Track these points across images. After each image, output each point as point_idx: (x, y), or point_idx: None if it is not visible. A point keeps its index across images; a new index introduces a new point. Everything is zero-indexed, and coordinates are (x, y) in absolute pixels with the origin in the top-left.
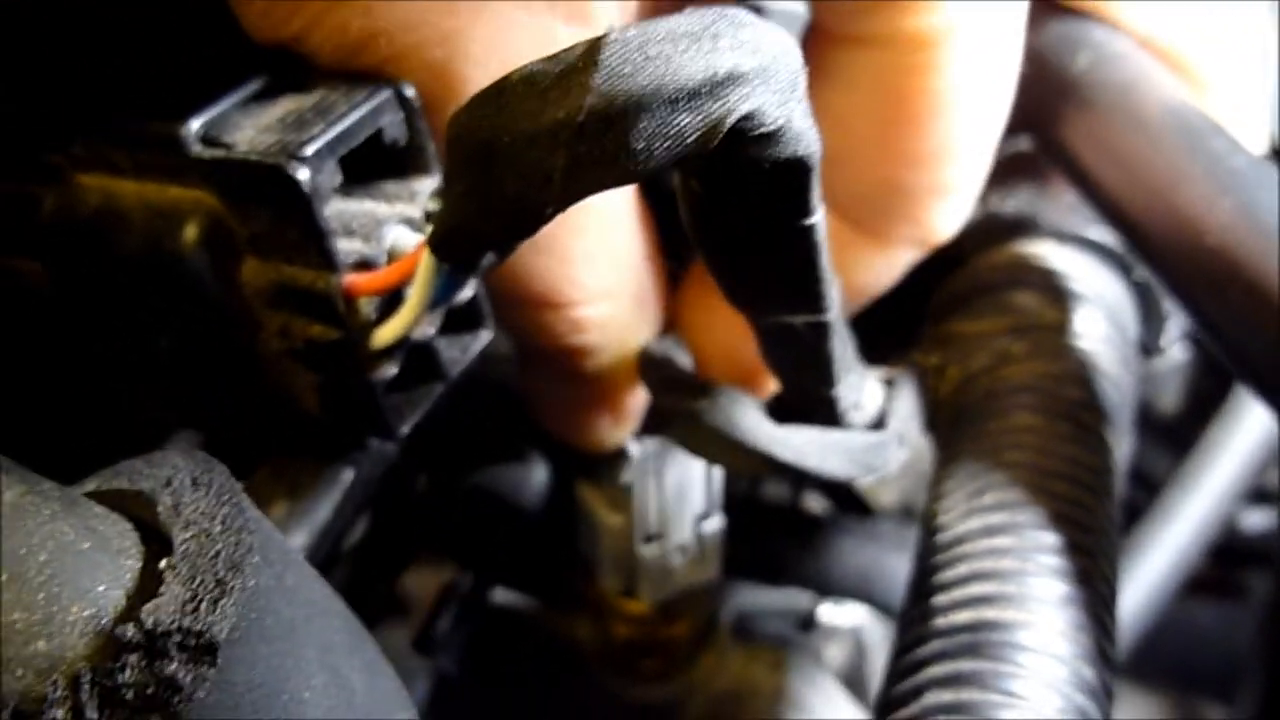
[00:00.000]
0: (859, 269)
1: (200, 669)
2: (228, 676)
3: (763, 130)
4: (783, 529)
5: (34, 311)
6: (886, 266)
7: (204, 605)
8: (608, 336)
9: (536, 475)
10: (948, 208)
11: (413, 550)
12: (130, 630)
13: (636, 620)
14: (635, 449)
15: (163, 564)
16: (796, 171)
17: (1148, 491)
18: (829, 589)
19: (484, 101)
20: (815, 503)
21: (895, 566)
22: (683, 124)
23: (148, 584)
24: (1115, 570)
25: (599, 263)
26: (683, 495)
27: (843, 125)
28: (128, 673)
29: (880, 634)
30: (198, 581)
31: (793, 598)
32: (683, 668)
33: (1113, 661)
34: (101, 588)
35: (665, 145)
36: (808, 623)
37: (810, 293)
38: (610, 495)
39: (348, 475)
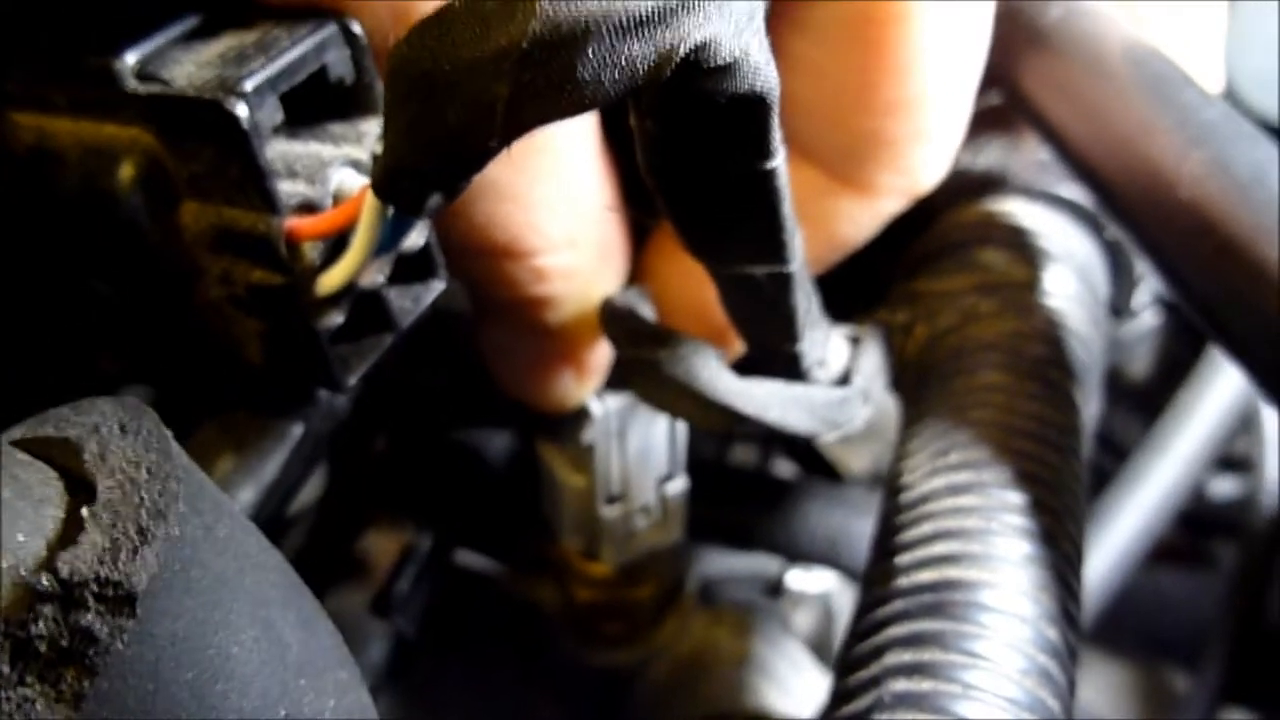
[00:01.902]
0: (841, 221)
1: (118, 620)
2: (148, 629)
3: (718, 62)
4: (751, 493)
5: None
6: (869, 218)
7: (123, 554)
8: (571, 287)
9: (498, 434)
10: (930, 155)
11: (371, 510)
12: (45, 579)
13: (599, 583)
14: (598, 408)
15: (85, 512)
16: (754, 109)
17: (1117, 457)
18: (797, 554)
19: (425, 30)
20: (784, 468)
21: (864, 531)
22: (632, 53)
23: (70, 533)
24: (1082, 530)
25: (561, 210)
26: (646, 456)
27: (820, 76)
28: (41, 624)
29: (848, 600)
30: (118, 530)
31: (760, 563)
32: (646, 632)
33: (1077, 622)
34: (21, 537)
35: (614, 75)
36: (775, 589)
37: (772, 242)
38: (572, 455)
39: (296, 430)
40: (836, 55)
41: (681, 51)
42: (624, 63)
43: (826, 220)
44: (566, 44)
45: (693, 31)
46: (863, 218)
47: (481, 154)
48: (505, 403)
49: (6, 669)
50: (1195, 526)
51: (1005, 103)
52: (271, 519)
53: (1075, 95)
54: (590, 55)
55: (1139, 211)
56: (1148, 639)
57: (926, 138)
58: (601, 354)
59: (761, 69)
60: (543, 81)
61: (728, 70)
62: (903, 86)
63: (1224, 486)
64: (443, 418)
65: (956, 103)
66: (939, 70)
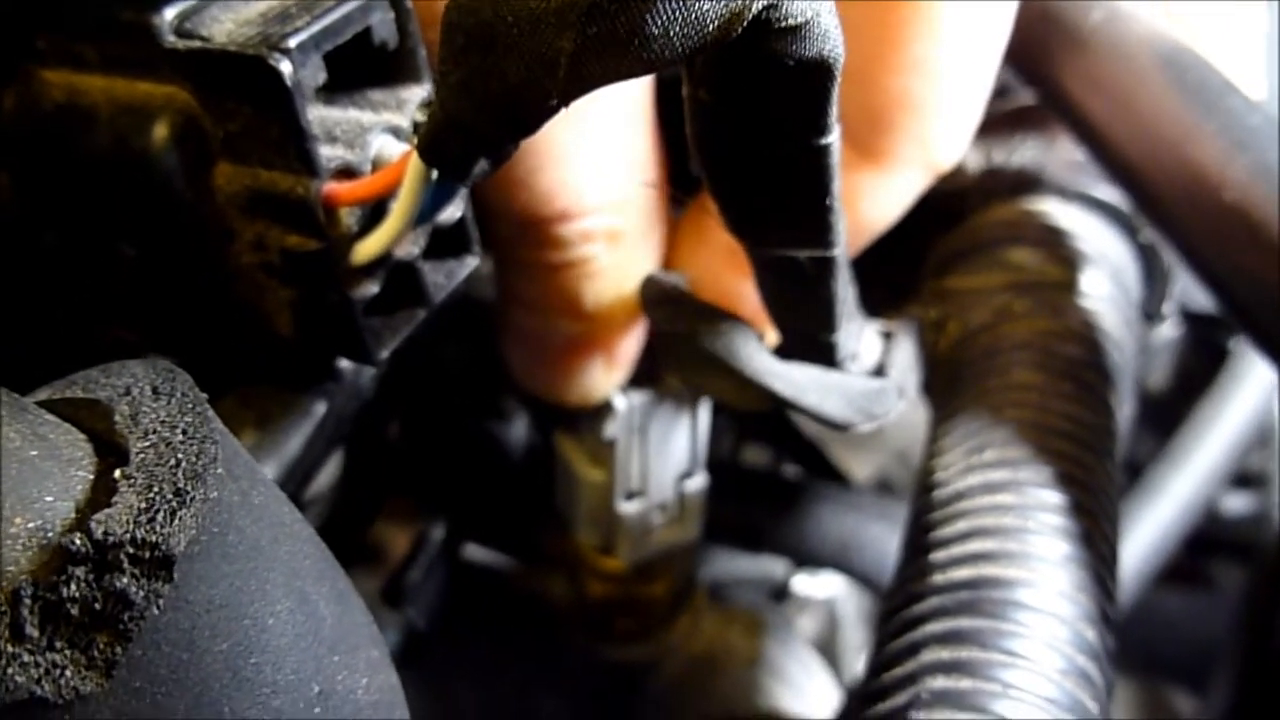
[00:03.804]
0: (864, 197)
1: (154, 584)
2: (184, 594)
3: (789, 22)
4: (762, 494)
5: None
6: (892, 194)
7: (160, 516)
8: (614, 254)
9: (514, 424)
10: (949, 127)
11: (384, 498)
12: (78, 541)
13: (613, 578)
14: (620, 403)
15: (117, 474)
16: (819, 76)
17: (1131, 472)
18: (808, 557)
19: None
20: (793, 471)
21: (875, 537)
22: (704, 8)
23: (100, 495)
24: (1116, 533)
25: (612, 172)
26: (666, 453)
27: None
28: (73, 587)
29: (854, 606)
30: (154, 491)
31: (766, 567)
32: (658, 628)
33: (1114, 625)
34: (49, 498)
35: (683, 32)
36: (781, 593)
37: (819, 224)
38: (591, 449)
39: (320, 407)
40: (860, 16)
41: (754, 9)
42: (695, 18)
43: (850, 198)
44: None
45: None
46: (885, 194)
47: (540, 112)
48: (522, 394)
49: (35, 632)
50: (1199, 546)
51: (1041, 102)
52: (291, 499)
53: (1117, 98)
54: (660, 9)
55: (1181, 214)
56: (1150, 659)
57: (947, 104)
58: (631, 345)
59: (831, 33)
60: (610, 36)
61: (798, 31)
62: (929, 47)
63: (1235, 503)
64: (459, 406)
65: (978, 74)
66: (963, 35)
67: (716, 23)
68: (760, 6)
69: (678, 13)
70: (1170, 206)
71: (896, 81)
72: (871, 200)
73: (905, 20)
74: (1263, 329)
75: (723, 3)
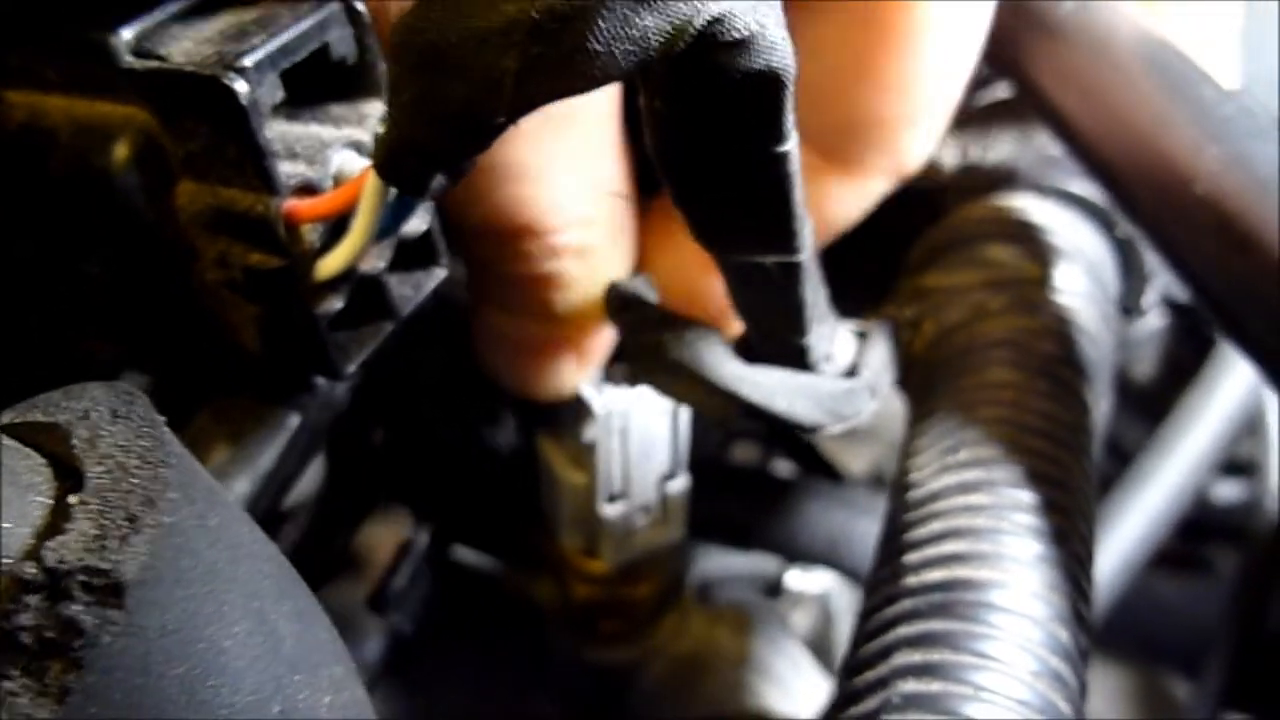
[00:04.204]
0: (829, 201)
1: (106, 611)
2: (137, 620)
3: (733, 36)
4: (751, 492)
5: None
6: (857, 198)
7: (112, 542)
8: (582, 266)
9: (497, 429)
10: (920, 134)
11: (369, 504)
12: (31, 569)
13: (597, 580)
14: (600, 406)
15: (73, 499)
16: (769, 87)
17: (1120, 460)
18: (798, 554)
19: (432, 0)
20: (784, 468)
21: (865, 532)
22: (646, 25)
23: (58, 522)
24: (1092, 531)
25: (579, 189)
26: (648, 454)
27: (815, 55)
28: (27, 615)
29: (847, 601)
30: (107, 517)
31: (759, 563)
32: (644, 630)
33: (1088, 624)
34: (8, 525)
35: (626, 49)
36: (774, 589)
37: (782, 230)
38: (573, 452)
39: (293, 420)
40: (836, 32)
41: (696, 24)
42: (637, 35)
43: (814, 201)
44: (578, 15)
45: (708, 4)
46: (850, 198)
47: (489, 130)
48: (505, 397)
49: None
50: (1193, 531)
51: (1016, 96)
52: (267, 512)
53: (1089, 89)
54: (602, 27)
55: (1154, 206)
56: (1144, 644)
57: (918, 118)
58: (602, 341)
59: (778, 45)
60: (553, 54)
61: (743, 45)
62: (902, 65)
63: (1227, 490)
64: (441, 411)
65: (951, 85)
66: (939, 50)
67: (659, 39)
68: (703, 21)
69: (620, 29)
70: (1143, 199)
71: (869, 99)
72: (836, 204)
73: (879, 42)
74: (1236, 322)
75: (665, 19)
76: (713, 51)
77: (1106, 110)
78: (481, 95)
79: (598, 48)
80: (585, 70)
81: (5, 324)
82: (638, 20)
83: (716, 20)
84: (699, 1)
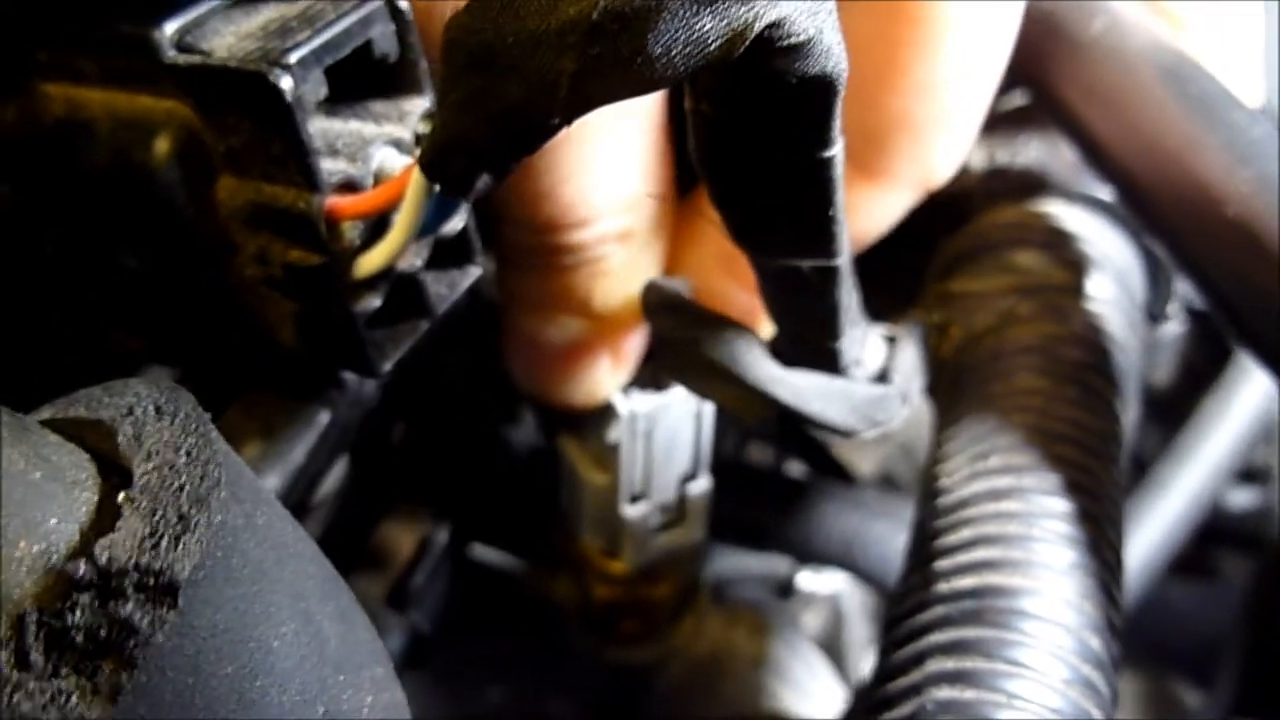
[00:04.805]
0: (857, 211)
1: (159, 611)
2: (189, 620)
3: (791, 41)
4: (766, 493)
5: None
6: (884, 209)
7: (165, 542)
8: (625, 255)
9: (518, 428)
10: (947, 144)
11: (389, 501)
12: (82, 567)
13: (617, 580)
14: (624, 407)
15: (121, 497)
16: (822, 92)
17: (1137, 467)
18: (812, 555)
19: (487, 0)
20: (796, 469)
21: (879, 534)
22: (705, 28)
23: (105, 518)
24: (1121, 539)
25: (626, 173)
26: (670, 456)
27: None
28: (79, 613)
29: (858, 602)
30: (158, 516)
31: (771, 564)
32: (662, 630)
33: (1119, 633)
34: (54, 521)
35: (685, 51)
36: (786, 589)
37: (822, 234)
38: (596, 453)
39: (324, 416)
40: (867, 35)
41: (756, 28)
42: (696, 38)
43: None
44: (639, 17)
45: (768, 9)
46: (878, 209)
47: (542, 131)
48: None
49: (40, 660)
50: (1206, 538)
51: (1035, 105)
52: (296, 508)
53: (1119, 109)
54: (662, 29)
55: (1184, 228)
56: (1155, 650)
57: (946, 125)
58: (636, 345)
59: (833, 50)
60: (611, 57)
61: (800, 50)
62: (931, 68)
63: (1239, 497)
64: (463, 408)
65: (979, 93)
66: (967, 55)
67: (719, 42)
68: (763, 25)
69: (680, 33)
70: (1172, 220)
71: (897, 103)
72: (865, 214)
73: (908, 42)
74: (1264, 343)
75: (725, 22)
76: (770, 56)
77: (1136, 131)
78: (537, 96)
79: (657, 50)
80: (643, 73)
81: (33, 311)
82: (697, 23)
83: (775, 24)
84: (759, 5)
